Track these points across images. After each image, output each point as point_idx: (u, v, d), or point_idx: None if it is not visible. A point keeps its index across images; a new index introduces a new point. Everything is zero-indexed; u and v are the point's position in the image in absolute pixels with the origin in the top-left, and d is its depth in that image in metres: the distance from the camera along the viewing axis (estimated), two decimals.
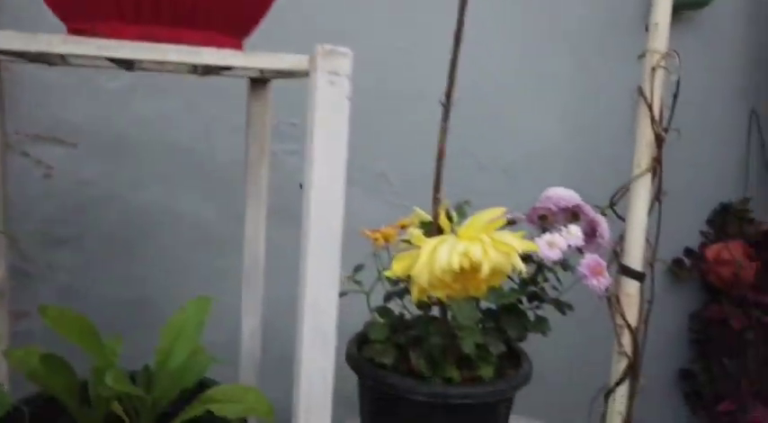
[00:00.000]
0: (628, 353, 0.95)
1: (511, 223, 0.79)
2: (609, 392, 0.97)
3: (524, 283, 0.74)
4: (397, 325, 0.75)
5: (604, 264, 0.68)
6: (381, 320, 0.69)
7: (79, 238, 0.96)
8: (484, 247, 0.51)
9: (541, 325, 0.73)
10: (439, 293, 0.55)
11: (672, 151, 0.84)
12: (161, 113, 0.98)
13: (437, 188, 0.64)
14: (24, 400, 0.57)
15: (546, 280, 0.74)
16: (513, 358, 0.73)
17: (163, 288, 1.01)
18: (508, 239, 0.52)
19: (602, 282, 0.67)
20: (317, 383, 0.48)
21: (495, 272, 0.52)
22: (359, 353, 0.69)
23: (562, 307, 0.72)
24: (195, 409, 0.55)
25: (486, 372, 0.69)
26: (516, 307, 0.74)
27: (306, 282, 0.47)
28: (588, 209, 0.75)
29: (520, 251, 0.52)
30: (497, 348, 0.70)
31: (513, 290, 0.73)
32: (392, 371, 0.69)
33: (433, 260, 0.51)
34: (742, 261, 1.32)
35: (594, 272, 0.67)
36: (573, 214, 0.78)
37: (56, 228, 0.95)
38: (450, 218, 0.64)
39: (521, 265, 0.53)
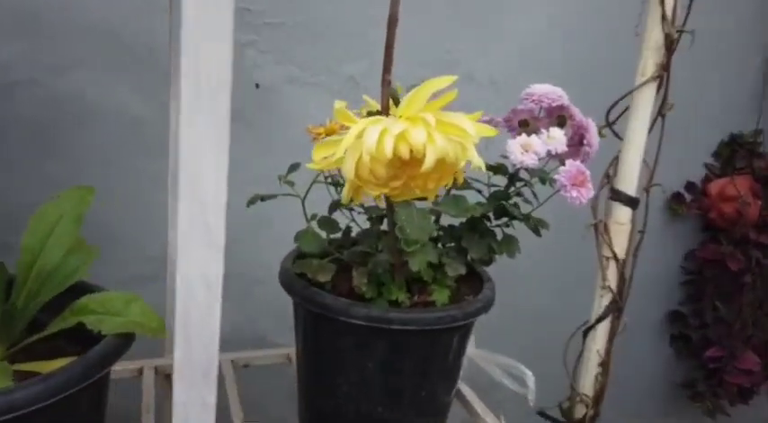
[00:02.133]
0: (612, 287, 0.84)
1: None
2: (588, 329, 0.87)
3: (494, 196, 0.62)
4: (342, 239, 0.64)
5: (587, 173, 0.56)
6: (314, 231, 0.57)
7: None
8: (427, 128, 0.39)
9: (509, 245, 0.61)
10: (374, 192, 0.44)
11: (681, 67, 0.71)
12: None
13: (387, 68, 0.51)
14: None
15: (519, 194, 0.62)
16: (476, 283, 0.63)
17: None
18: (459, 121, 0.40)
19: (583, 193, 0.55)
20: (200, 295, 0.37)
21: (443, 164, 0.40)
22: (292, 268, 0.58)
23: (536, 225, 0.61)
24: (65, 321, 0.44)
25: (441, 296, 0.58)
26: (482, 223, 0.62)
27: (181, 155, 0.34)
28: (576, 112, 0.63)
29: (475, 137, 0.40)
30: (455, 270, 0.59)
31: (479, 203, 0.62)
32: (331, 291, 0.59)
33: (361, 145, 0.38)
34: (747, 198, 1.20)
35: (576, 181, 0.55)
36: (559, 119, 0.65)
37: None
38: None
39: (477, 159, 0.41)
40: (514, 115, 0.67)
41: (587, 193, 0.55)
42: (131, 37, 0.86)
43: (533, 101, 0.62)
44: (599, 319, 0.83)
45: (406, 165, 0.41)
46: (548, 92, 0.61)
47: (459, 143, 0.41)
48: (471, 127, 0.40)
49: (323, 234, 0.60)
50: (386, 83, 0.51)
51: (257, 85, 0.96)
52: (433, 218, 0.58)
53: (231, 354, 0.77)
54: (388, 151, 0.38)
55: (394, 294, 0.57)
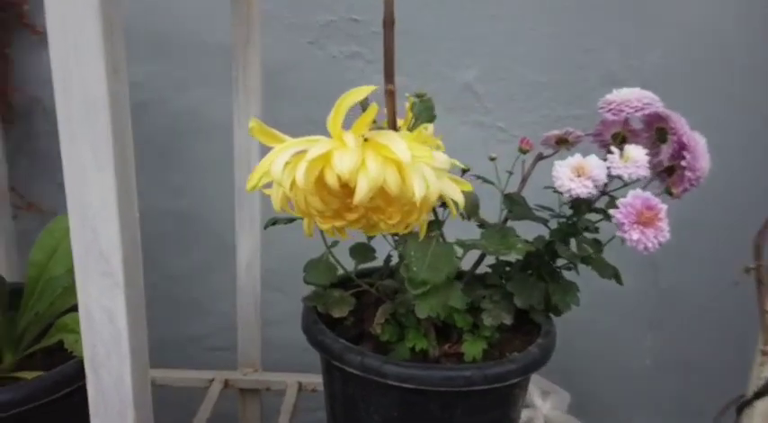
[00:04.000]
0: None
1: (564, 144, 0.54)
2: (743, 405, 0.68)
3: (555, 231, 0.50)
4: (382, 269, 0.57)
5: (660, 207, 0.41)
6: (329, 260, 0.51)
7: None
8: (346, 149, 0.31)
9: (563, 294, 0.48)
10: (324, 225, 0.37)
11: None
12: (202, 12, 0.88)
13: (389, 76, 0.44)
14: None
15: (588, 229, 0.48)
16: (534, 336, 0.51)
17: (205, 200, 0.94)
18: (390, 142, 0.31)
19: (649, 236, 0.40)
20: (104, 330, 0.34)
21: (385, 194, 0.32)
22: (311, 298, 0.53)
23: (605, 270, 0.47)
24: (49, 338, 0.45)
25: (472, 349, 0.48)
26: (541, 263, 0.50)
27: (70, 190, 0.32)
28: (678, 122, 0.47)
29: (406, 159, 0.31)
30: (496, 319, 0.49)
31: (539, 238, 0.50)
32: (353, 326, 0.53)
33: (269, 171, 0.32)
34: None
35: (640, 219, 0.40)
36: (659, 132, 0.50)
37: None
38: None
39: (429, 186, 0.32)
40: (605, 128, 0.53)
41: (658, 235, 0.40)
42: (274, 63, 0.89)
43: (611, 110, 0.48)
44: (758, 394, 0.64)
45: (347, 196, 0.33)
46: (629, 98, 0.47)
47: (420, 171, 0.32)
48: (404, 152, 0.31)
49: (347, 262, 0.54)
50: (389, 93, 0.43)
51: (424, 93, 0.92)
52: (459, 253, 0.48)
53: (300, 375, 0.75)
54: (300, 180, 0.31)
55: (412, 341, 0.49)
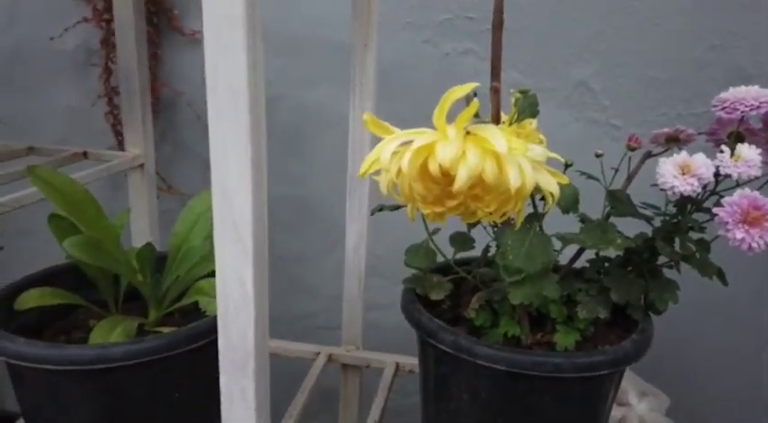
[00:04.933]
0: None
1: (674, 142, 0.53)
2: None
3: (659, 229, 0.50)
4: (481, 258, 0.59)
5: None
6: (429, 247, 0.54)
7: None
8: (448, 141, 0.34)
9: (661, 292, 0.48)
10: (425, 210, 0.40)
11: None
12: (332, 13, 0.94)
13: (495, 74, 0.46)
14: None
15: (693, 229, 0.48)
16: (631, 332, 0.51)
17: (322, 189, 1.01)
18: (490, 135, 0.34)
19: (754, 235, 0.39)
20: (234, 292, 0.40)
21: (483, 183, 0.35)
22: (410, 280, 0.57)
23: (706, 270, 0.46)
24: (187, 299, 0.53)
25: (565, 339, 0.50)
26: (642, 260, 0.51)
27: (214, 167, 0.38)
28: None
29: (506, 154, 0.33)
30: (590, 312, 0.50)
31: (640, 235, 0.50)
32: (449, 311, 0.56)
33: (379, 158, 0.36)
34: None
35: (746, 218, 0.40)
36: None
37: None
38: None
39: (525, 176, 0.34)
40: (720, 127, 0.52)
41: (764, 235, 0.40)
42: (390, 62, 0.94)
43: (724, 109, 0.47)
44: None
45: (448, 183, 0.36)
46: (745, 96, 0.46)
47: (517, 162, 0.34)
48: (501, 143, 0.33)
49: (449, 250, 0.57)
50: (494, 90, 0.46)
51: (475, 94, 0.94)
52: (558, 246, 0.50)
53: (399, 356, 0.79)
54: (405, 167, 0.35)
55: (505, 327, 0.51)
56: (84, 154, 0.75)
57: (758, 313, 0.95)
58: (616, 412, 0.61)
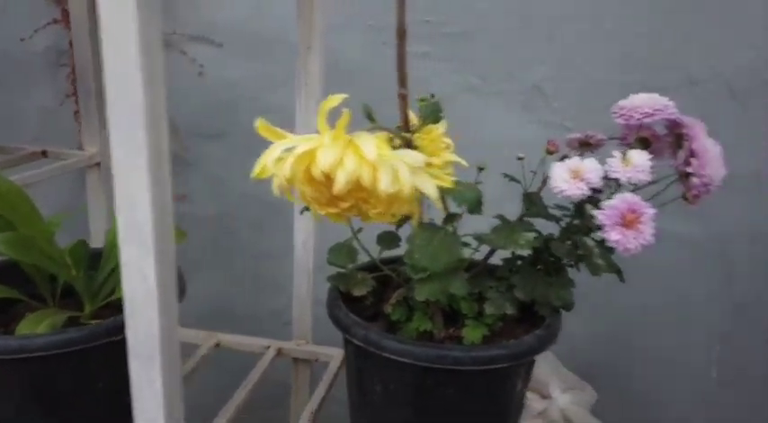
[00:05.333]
0: None
1: (586, 147, 0.55)
2: None
3: (567, 228, 0.52)
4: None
5: (645, 211, 0.42)
6: (352, 246, 0.57)
7: (224, 134, 1.04)
8: (327, 147, 0.36)
9: (558, 289, 0.50)
10: (320, 211, 0.42)
11: None
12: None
13: (402, 82, 0.48)
14: None
15: (590, 229, 0.50)
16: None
17: None
18: (361, 142, 0.36)
19: (629, 238, 0.41)
20: (138, 286, 0.42)
21: (360, 187, 0.37)
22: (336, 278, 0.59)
23: (597, 269, 0.48)
24: (119, 292, 0.55)
25: (472, 334, 0.52)
26: (549, 259, 0.53)
27: (115, 166, 0.40)
28: (691, 126, 0.47)
29: (371, 158, 0.35)
30: (497, 308, 0.52)
31: (549, 236, 0.52)
32: (371, 306, 0.58)
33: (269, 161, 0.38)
34: None
35: (621, 221, 0.42)
36: (677, 138, 0.50)
37: (205, 122, 1.04)
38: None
39: (400, 181, 0.36)
40: (629, 132, 0.54)
41: (638, 237, 0.42)
42: (348, 63, 0.96)
43: (622, 116, 0.49)
44: None
45: (327, 184, 0.39)
46: (639, 104, 0.48)
47: (391, 167, 0.37)
48: (371, 151, 0.35)
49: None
50: (401, 97, 0.48)
51: (432, 96, 0.96)
52: (475, 245, 0.52)
53: None
54: (286, 173, 0.37)
55: (417, 322, 0.53)
56: (44, 153, 0.77)
57: (710, 314, 0.97)
58: (538, 404, 0.63)
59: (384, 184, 0.36)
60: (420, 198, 0.43)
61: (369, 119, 0.44)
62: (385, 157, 0.37)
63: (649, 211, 0.42)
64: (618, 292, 0.97)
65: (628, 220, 0.42)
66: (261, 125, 0.38)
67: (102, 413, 0.49)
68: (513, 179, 0.58)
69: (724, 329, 0.97)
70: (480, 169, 0.54)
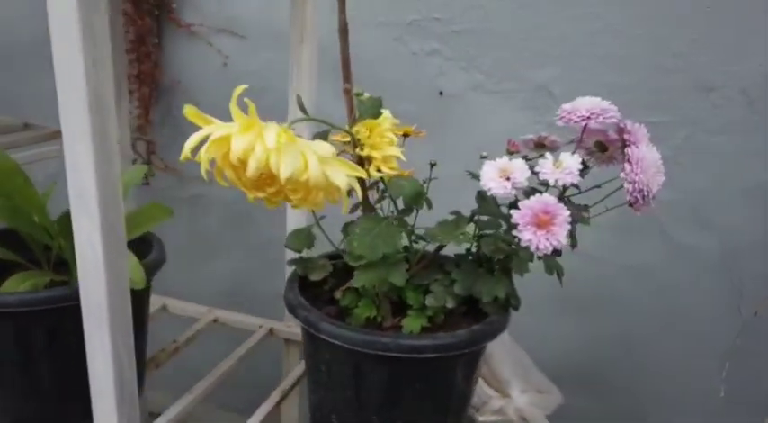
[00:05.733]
0: None
1: (541, 148, 0.56)
2: None
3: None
4: None
5: (558, 213, 0.42)
6: (310, 232, 0.59)
7: None
8: (237, 133, 0.39)
9: (493, 285, 0.51)
10: (250, 195, 0.45)
11: None
12: None
13: (347, 78, 0.50)
14: None
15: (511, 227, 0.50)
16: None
17: None
18: (264, 131, 0.38)
19: (540, 237, 0.41)
20: (89, 255, 0.47)
21: (272, 174, 0.39)
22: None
23: (520, 268, 0.49)
24: None
25: (412, 324, 0.53)
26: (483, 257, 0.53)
27: (66, 143, 0.45)
28: (632, 131, 0.47)
29: (270, 145, 0.37)
30: (438, 300, 0.53)
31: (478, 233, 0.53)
32: (329, 292, 0.60)
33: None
34: None
35: (534, 221, 0.42)
36: (623, 142, 0.50)
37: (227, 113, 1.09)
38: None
39: (307, 169, 0.39)
40: (587, 135, 0.54)
41: (550, 238, 0.42)
42: (360, 58, 0.98)
43: (562, 118, 0.49)
44: None
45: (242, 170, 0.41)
46: (579, 107, 0.48)
47: (293, 155, 0.39)
48: (270, 139, 0.38)
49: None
50: (345, 92, 0.50)
51: (441, 93, 0.97)
52: (406, 237, 0.53)
53: None
54: (204, 157, 0.40)
55: (362, 308, 0.55)
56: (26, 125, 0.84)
57: (720, 329, 0.93)
58: (497, 402, 0.64)
59: (284, 171, 0.38)
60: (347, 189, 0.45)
61: (301, 111, 0.46)
62: (292, 146, 0.39)
63: (564, 213, 0.43)
64: (624, 304, 0.96)
65: (541, 221, 0.42)
66: (188, 111, 0.41)
67: (74, 370, 0.54)
68: (473, 176, 0.59)
69: (733, 345, 0.93)
70: (432, 165, 0.56)
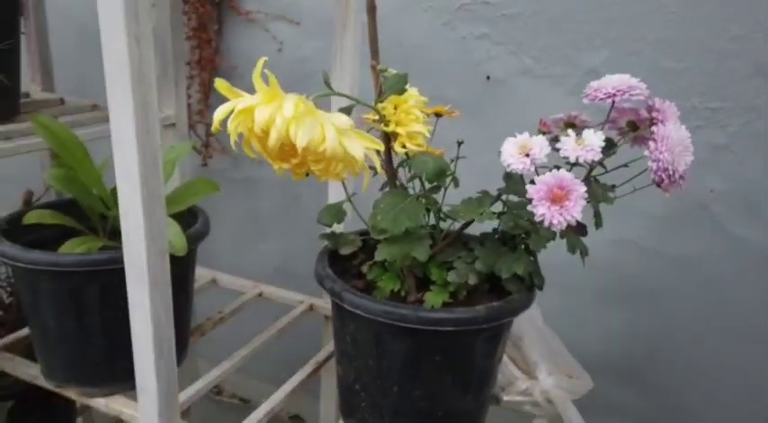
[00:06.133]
0: None
1: (572, 128, 0.56)
2: None
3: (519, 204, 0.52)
4: None
5: (573, 188, 0.41)
6: (341, 208, 0.61)
7: None
8: (260, 104, 0.41)
9: (512, 262, 0.51)
10: (275, 166, 0.47)
11: None
12: None
13: (374, 54, 0.52)
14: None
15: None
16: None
17: None
18: (283, 101, 0.40)
19: (554, 213, 0.41)
20: (132, 223, 0.51)
21: (293, 144, 0.42)
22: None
23: (538, 244, 0.48)
24: None
25: (434, 299, 0.55)
26: (511, 234, 0.54)
27: (113, 121, 0.48)
28: (661, 109, 0.46)
29: (288, 114, 0.39)
30: (460, 276, 0.54)
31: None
32: (358, 266, 0.62)
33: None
34: None
35: (549, 196, 0.42)
36: (651, 120, 0.49)
37: None
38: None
39: (324, 139, 0.40)
40: (619, 115, 0.54)
41: (564, 213, 0.42)
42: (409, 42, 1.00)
43: (588, 96, 0.49)
44: None
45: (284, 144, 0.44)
46: (605, 85, 0.47)
47: (311, 125, 0.41)
48: (289, 109, 0.40)
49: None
50: (373, 68, 0.52)
51: (488, 77, 0.97)
52: (427, 213, 0.55)
53: None
54: (232, 128, 0.43)
55: (386, 282, 0.57)
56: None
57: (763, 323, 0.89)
58: (523, 383, 0.64)
59: (301, 139, 0.40)
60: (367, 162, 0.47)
61: (327, 86, 0.48)
62: (310, 116, 0.41)
63: (579, 189, 0.42)
64: (674, 297, 0.93)
65: (556, 196, 0.42)
66: (219, 84, 0.44)
67: (121, 325, 0.58)
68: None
69: None
70: (460, 143, 0.57)
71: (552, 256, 0.55)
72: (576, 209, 0.42)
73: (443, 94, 1.00)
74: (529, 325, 0.71)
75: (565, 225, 0.42)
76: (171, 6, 0.87)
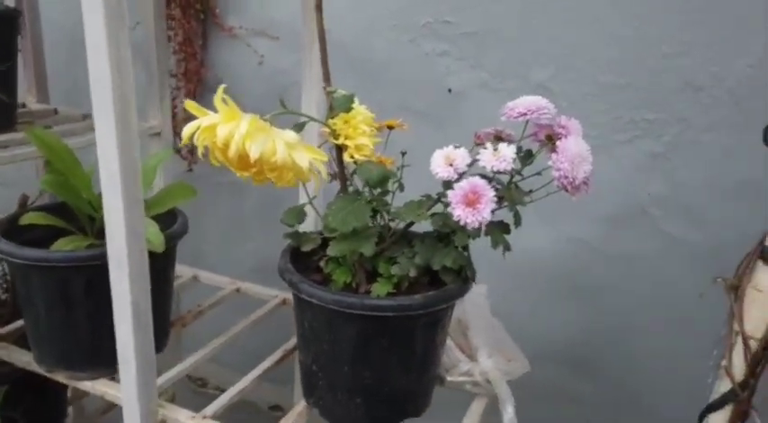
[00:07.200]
0: (734, 374, 0.65)
1: (500, 141, 0.63)
2: (702, 416, 0.69)
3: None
4: None
5: (484, 193, 0.49)
6: (302, 210, 0.69)
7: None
8: (221, 122, 0.49)
9: (443, 257, 0.59)
10: (237, 173, 0.55)
11: None
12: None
13: (326, 75, 0.60)
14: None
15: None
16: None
17: None
18: (242, 119, 0.48)
19: (467, 214, 0.49)
20: (113, 217, 0.58)
21: (243, 153, 0.49)
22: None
23: (461, 240, 0.56)
24: None
25: (379, 289, 0.62)
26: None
27: (98, 131, 0.56)
28: (564, 126, 0.54)
29: (243, 132, 0.47)
30: (402, 269, 0.62)
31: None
32: (318, 261, 0.70)
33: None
34: None
35: (464, 200, 0.50)
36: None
37: (264, 104, 1.21)
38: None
39: (274, 152, 0.48)
40: (539, 129, 0.62)
41: (476, 214, 0.50)
42: (377, 59, 1.09)
43: (504, 114, 0.57)
44: (711, 407, 0.67)
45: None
46: (518, 105, 0.55)
47: (263, 140, 0.49)
48: (243, 126, 0.48)
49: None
50: (328, 94, 0.60)
51: (449, 90, 1.05)
52: (376, 214, 0.63)
53: None
54: (198, 142, 0.51)
55: (339, 275, 0.65)
56: None
57: (703, 315, 0.97)
58: (465, 365, 0.72)
59: (253, 152, 0.48)
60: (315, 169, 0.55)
61: (282, 105, 0.56)
62: (262, 132, 0.49)
63: (489, 193, 0.50)
64: (614, 291, 1.01)
65: (470, 200, 0.50)
66: (188, 104, 0.52)
67: (104, 315, 0.66)
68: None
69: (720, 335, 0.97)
70: (403, 154, 0.65)
71: (513, 254, 0.63)
72: (486, 210, 0.50)
73: (409, 104, 1.08)
74: (476, 315, 0.78)
75: (477, 224, 0.50)
76: (155, 23, 0.95)
